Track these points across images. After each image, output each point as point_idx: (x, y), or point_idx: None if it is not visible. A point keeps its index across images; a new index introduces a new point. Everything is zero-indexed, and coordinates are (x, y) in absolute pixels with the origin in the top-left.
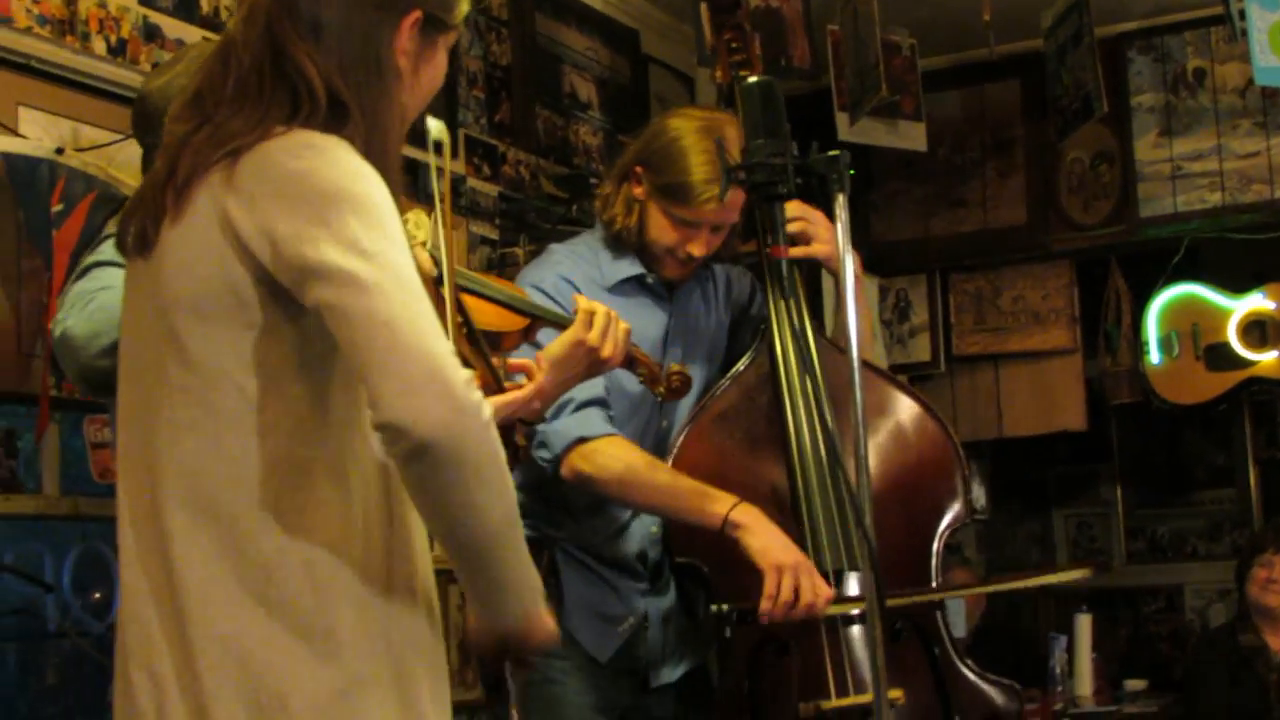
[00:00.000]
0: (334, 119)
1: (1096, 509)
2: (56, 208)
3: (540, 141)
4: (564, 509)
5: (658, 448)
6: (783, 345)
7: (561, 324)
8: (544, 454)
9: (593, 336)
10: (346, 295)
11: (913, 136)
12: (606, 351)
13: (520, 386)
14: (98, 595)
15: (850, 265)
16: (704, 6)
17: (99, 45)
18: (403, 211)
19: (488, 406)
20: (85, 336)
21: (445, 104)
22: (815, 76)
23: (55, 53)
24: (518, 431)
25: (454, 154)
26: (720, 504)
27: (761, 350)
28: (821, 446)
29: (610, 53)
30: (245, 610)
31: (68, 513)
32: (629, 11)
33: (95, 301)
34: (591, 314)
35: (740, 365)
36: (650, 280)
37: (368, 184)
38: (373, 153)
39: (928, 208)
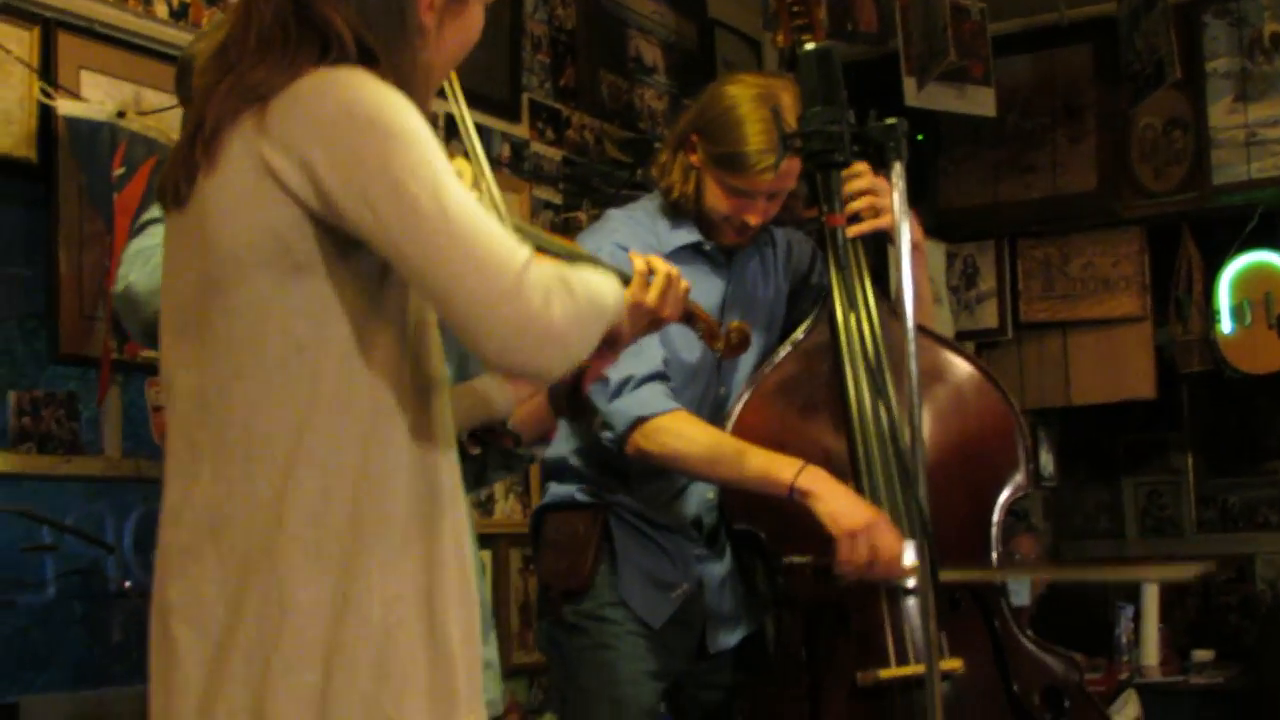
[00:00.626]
0: (365, 64)
1: (1166, 478)
2: (118, 171)
3: (605, 106)
4: (619, 474)
5: (715, 415)
6: (843, 313)
7: (622, 281)
8: (608, 434)
9: (651, 297)
10: (407, 231)
11: (982, 102)
12: (666, 311)
13: None
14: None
15: (906, 233)
16: None
17: (161, 9)
18: None
19: (542, 281)
20: (148, 291)
21: (509, 68)
22: (883, 41)
23: (118, 16)
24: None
25: (517, 118)
26: (787, 470)
27: (821, 318)
28: (882, 415)
29: (676, 16)
30: (292, 560)
31: (129, 474)
32: None
33: (157, 256)
34: (650, 273)
35: (799, 333)
36: (708, 248)
37: (409, 115)
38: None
39: (997, 173)
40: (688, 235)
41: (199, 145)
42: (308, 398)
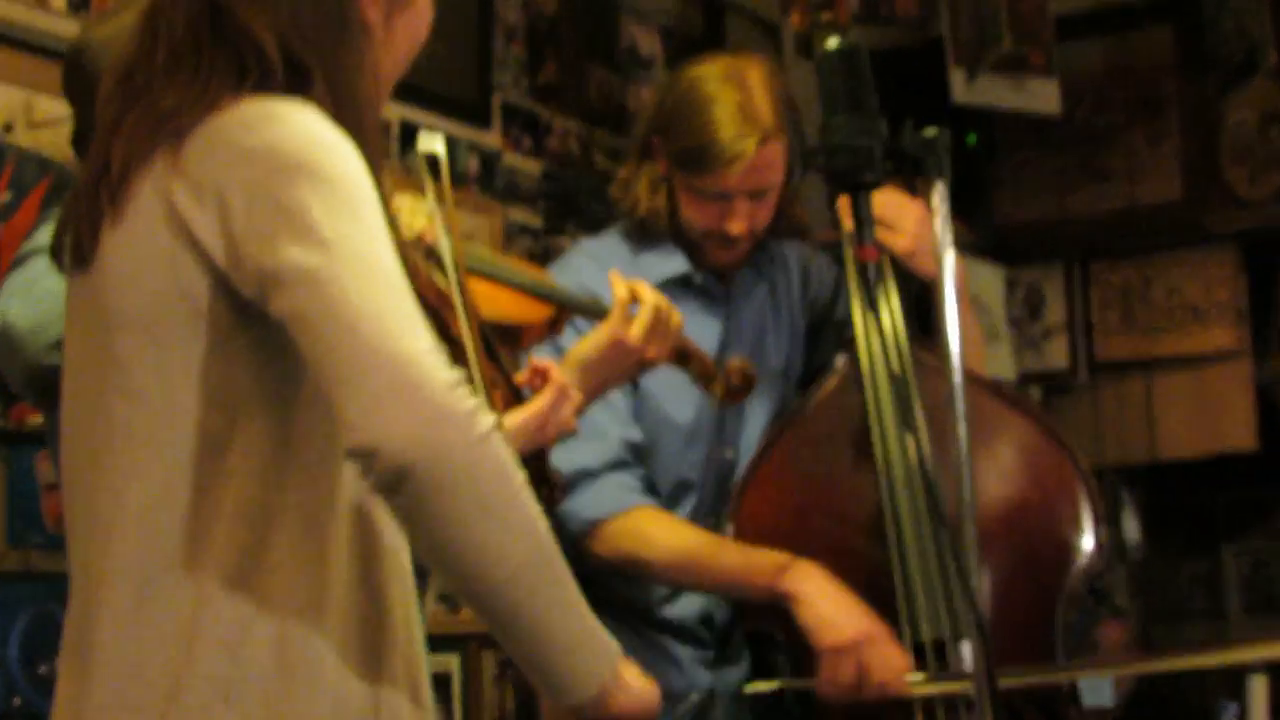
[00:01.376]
0: (293, 84)
1: (1274, 543)
2: (4, 197)
3: (593, 107)
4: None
5: (721, 485)
6: (871, 359)
7: (597, 313)
8: (560, 541)
9: (635, 333)
10: (302, 299)
11: (1044, 96)
12: (652, 351)
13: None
14: (44, 669)
15: (950, 267)
16: None
17: (57, 0)
18: (389, 190)
19: (487, 416)
20: (30, 328)
21: (477, 64)
22: (924, 26)
23: (4, 9)
24: (549, 466)
25: (487, 123)
26: (769, 570)
27: (847, 366)
28: (918, 487)
29: None
30: (204, 700)
31: (16, 568)
32: None
33: (39, 287)
34: (633, 303)
35: (820, 384)
36: (699, 279)
37: (334, 155)
38: (344, 122)
39: (1063, 182)
40: (670, 264)
41: (104, 192)
42: (218, 507)
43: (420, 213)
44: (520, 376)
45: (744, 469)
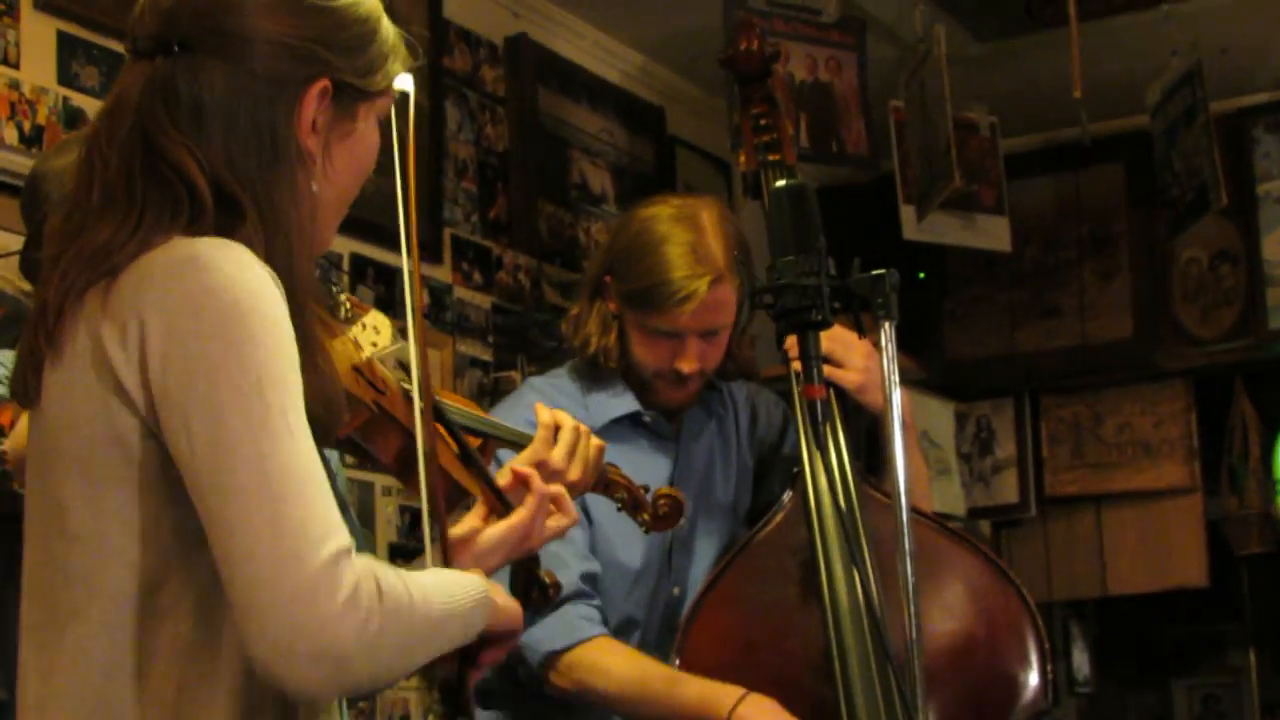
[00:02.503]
0: (226, 219)
1: (1224, 678)
2: None
3: (543, 242)
4: (559, 702)
5: (668, 621)
6: (817, 496)
7: (519, 442)
8: (523, 670)
9: (556, 456)
10: (196, 481)
11: (994, 233)
12: (574, 474)
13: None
14: None
15: (897, 404)
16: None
17: (10, 133)
18: (329, 333)
19: (366, 586)
20: None
21: (428, 198)
22: (874, 163)
23: None
24: (539, 568)
25: (438, 258)
26: (723, 705)
27: (794, 502)
28: (865, 623)
29: (629, 134)
30: None
31: None
32: (651, 85)
33: None
34: (555, 428)
35: (767, 520)
36: (648, 418)
37: (253, 314)
38: (275, 256)
39: (1014, 318)
40: (620, 403)
41: (42, 332)
42: (153, 649)
43: (385, 330)
44: (501, 479)
45: (690, 602)
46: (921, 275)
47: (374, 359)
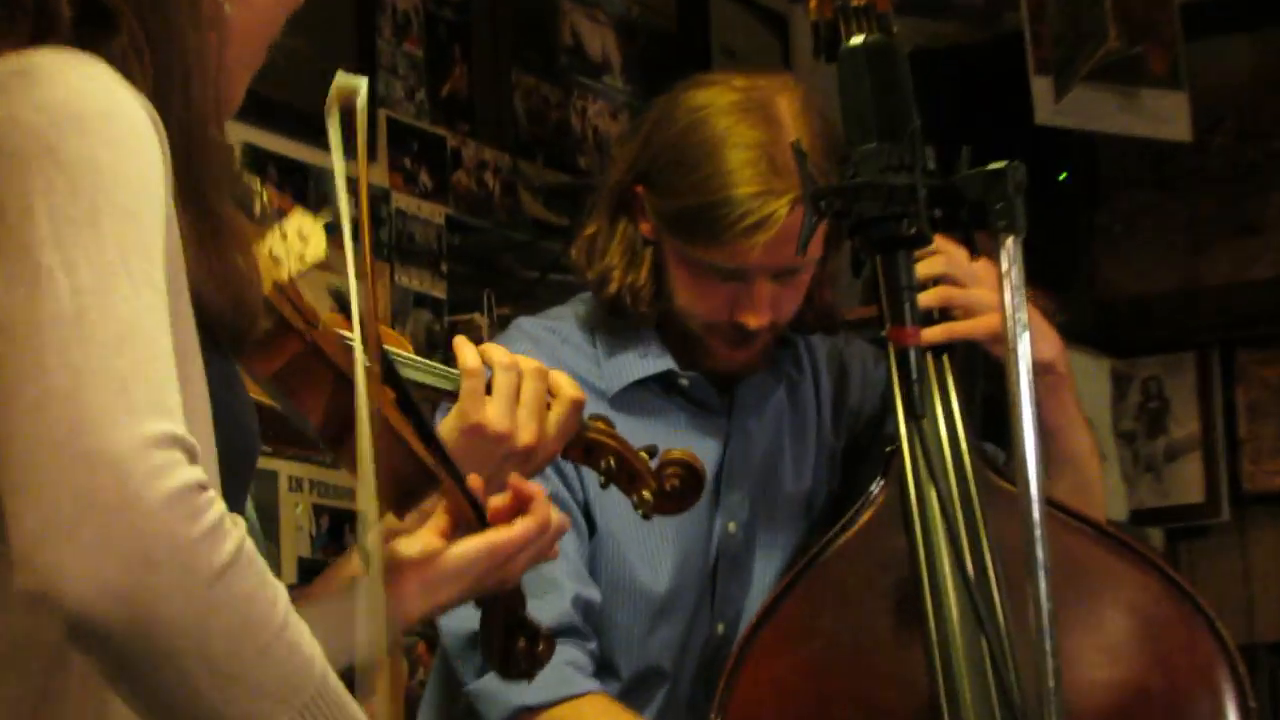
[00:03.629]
0: (91, 32)
1: None
2: None
3: (520, 130)
4: None
5: (705, 672)
6: (918, 488)
7: (445, 391)
8: None
9: (492, 414)
10: (14, 321)
11: (1167, 116)
12: (525, 437)
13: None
14: None
15: (1025, 355)
16: None
17: None
18: (249, 212)
19: (229, 534)
20: None
21: (355, 68)
22: (994, 18)
23: None
24: (527, 611)
25: (370, 152)
26: None
27: (887, 496)
28: (987, 665)
29: None
30: None
31: None
32: None
33: None
34: (480, 370)
35: (848, 523)
36: (686, 381)
37: (94, 135)
38: (166, 94)
39: (1196, 238)
40: (647, 361)
41: None
42: None
43: (316, 239)
44: (497, 501)
45: (739, 640)
46: (1063, 176)
47: (298, 280)
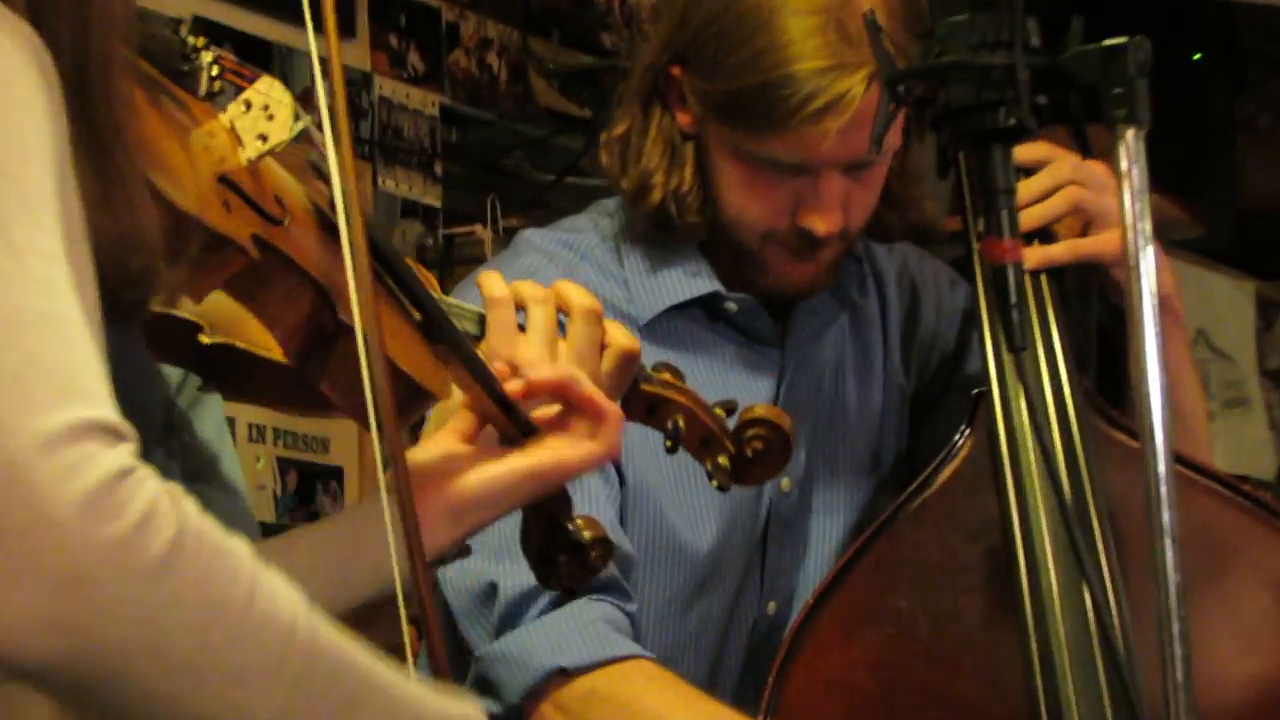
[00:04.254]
0: None
1: None
2: None
3: (532, 1)
4: None
5: (755, 658)
6: (1012, 438)
7: (474, 336)
8: (489, 702)
9: (525, 353)
10: None
11: None
12: (576, 388)
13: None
14: None
15: (1149, 273)
16: None
17: None
18: (164, 119)
19: (163, 515)
20: None
21: None
22: None
23: None
24: (572, 516)
25: (348, 29)
26: None
27: (973, 448)
28: (1096, 653)
29: None
30: None
31: None
32: None
33: None
34: (509, 298)
35: (925, 481)
36: (734, 305)
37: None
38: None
39: None
40: (691, 282)
41: None
42: None
43: (284, 112)
44: (514, 386)
45: (792, 624)
46: (1197, 56)
47: (264, 161)
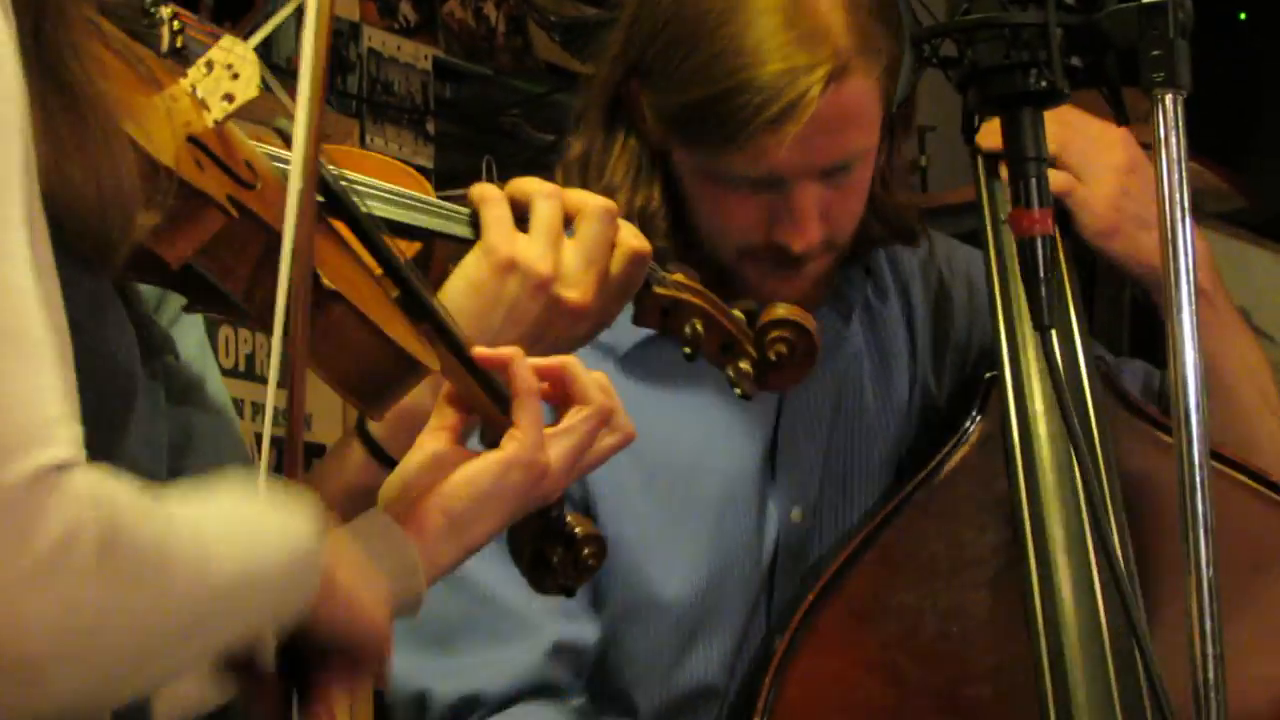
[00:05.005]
0: None
1: None
2: None
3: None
4: None
5: (754, 675)
6: (1023, 424)
7: (451, 237)
8: None
9: (527, 249)
10: None
11: None
12: (574, 293)
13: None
14: None
15: (1188, 252)
16: None
17: None
18: (130, 76)
19: (125, 536)
20: None
21: None
22: None
23: None
24: (579, 530)
25: None
26: None
27: (984, 434)
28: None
29: None
30: None
31: None
32: None
33: None
34: (502, 196)
35: (933, 470)
36: None
37: None
38: None
39: None
40: None
41: None
42: None
43: (249, 71)
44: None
45: (791, 624)
46: (1243, 16)
47: (229, 122)
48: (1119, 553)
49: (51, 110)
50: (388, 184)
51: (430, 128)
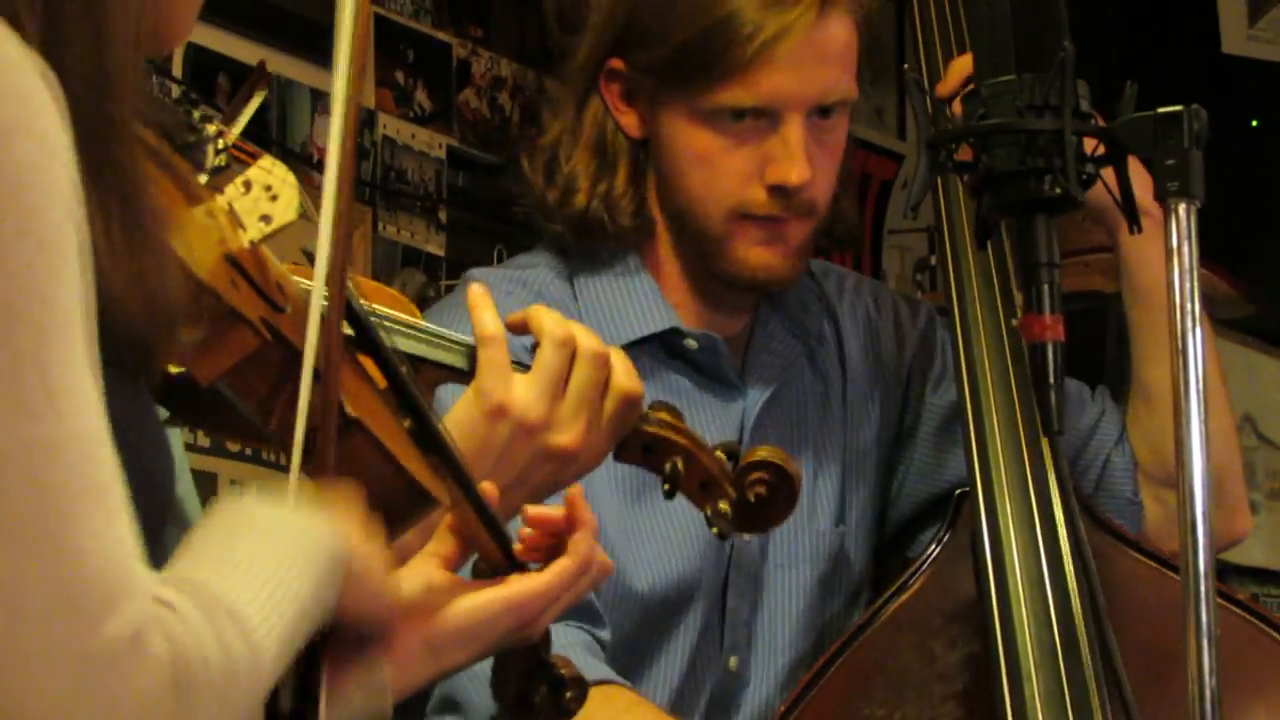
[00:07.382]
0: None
1: None
2: None
3: (547, 38)
4: None
5: (718, 707)
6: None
7: (454, 370)
8: None
9: (523, 395)
10: None
11: None
12: (564, 438)
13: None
14: None
15: (1196, 349)
16: None
17: None
18: (178, 191)
19: (195, 667)
20: None
21: None
22: None
23: None
24: (564, 672)
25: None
26: None
27: (951, 545)
28: None
29: None
30: None
31: None
32: None
33: None
34: (501, 337)
35: (904, 581)
36: (693, 344)
37: (36, 167)
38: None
39: None
40: (647, 315)
41: None
42: None
43: (289, 194)
44: (526, 531)
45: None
46: (1255, 123)
47: (264, 245)
48: (1091, 671)
49: (110, 217)
50: (393, 312)
51: (442, 216)
